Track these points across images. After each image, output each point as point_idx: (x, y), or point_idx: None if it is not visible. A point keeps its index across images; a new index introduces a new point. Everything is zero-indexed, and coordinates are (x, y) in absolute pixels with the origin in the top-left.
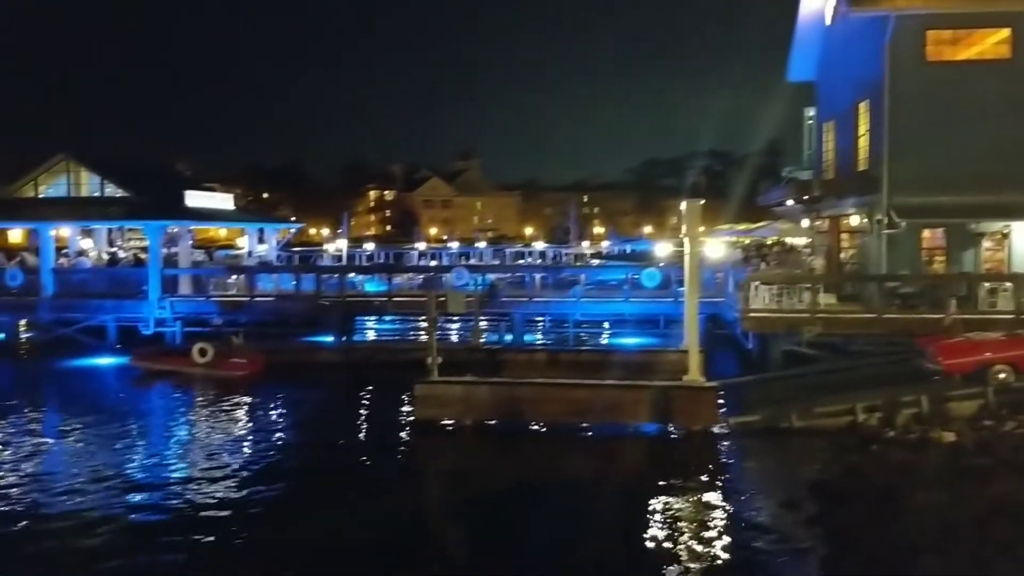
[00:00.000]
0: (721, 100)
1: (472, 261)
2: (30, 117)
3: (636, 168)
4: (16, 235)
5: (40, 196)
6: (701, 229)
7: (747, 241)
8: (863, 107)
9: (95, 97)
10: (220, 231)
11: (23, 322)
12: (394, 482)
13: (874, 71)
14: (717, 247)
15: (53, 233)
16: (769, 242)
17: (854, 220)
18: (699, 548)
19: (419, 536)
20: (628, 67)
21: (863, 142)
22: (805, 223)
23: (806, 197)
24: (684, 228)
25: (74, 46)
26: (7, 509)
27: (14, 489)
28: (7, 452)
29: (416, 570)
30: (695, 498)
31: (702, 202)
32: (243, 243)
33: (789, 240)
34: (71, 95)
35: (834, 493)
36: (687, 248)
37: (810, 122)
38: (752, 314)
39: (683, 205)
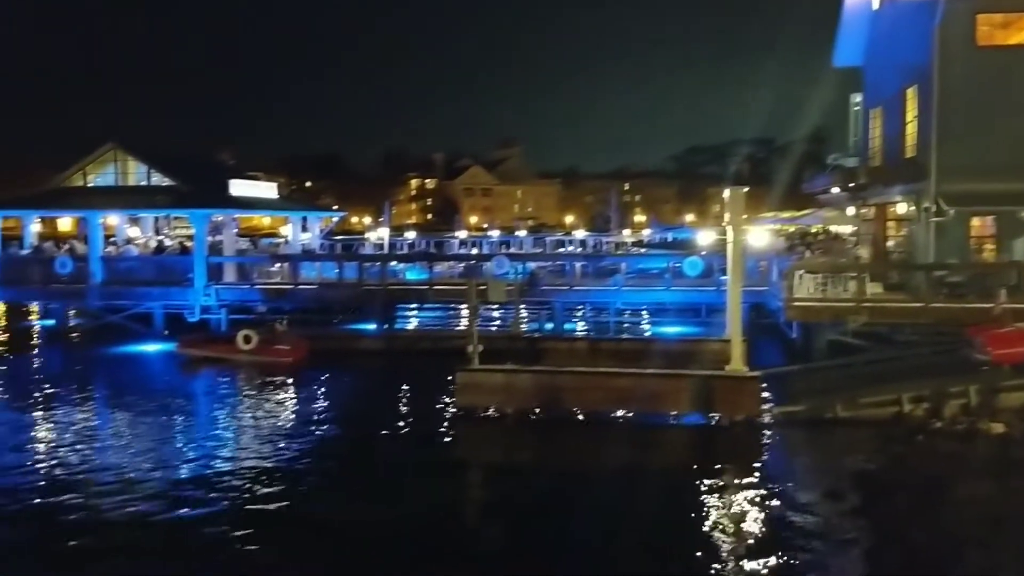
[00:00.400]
0: (765, 86)
1: (512, 249)
2: (77, 106)
3: (678, 155)
4: (66, 223)
5: (89, 185)
6: (744, 217)
7: (791, 229)
8: (911, 93)
9: (137, 90)
10: (264, 219)
11: (72, 309)
12: (435, 469)
13: (923, 56)
14: (761, 235)
15: (101, 221)
16: (814, 230)
17: (901, 208)
18: (740, 538)
19: (460, 524)
20: (670, 53)
21: (911, 128)
22: (851, 211)
23: (852, 184)
24: (727, 216)
25: (112, 38)
26: (58, 493)
27: (64, 473)
28: (58, 437)
29: (457, 558)
30: (737, 488)
31: (746, 189)
32: (287, 231)
33: (834, 228)
34: (112, 87)
35: (879, 484)
36: (730, 236)
37: (856, 108)
38: (796, 303)
39: (726, 192)
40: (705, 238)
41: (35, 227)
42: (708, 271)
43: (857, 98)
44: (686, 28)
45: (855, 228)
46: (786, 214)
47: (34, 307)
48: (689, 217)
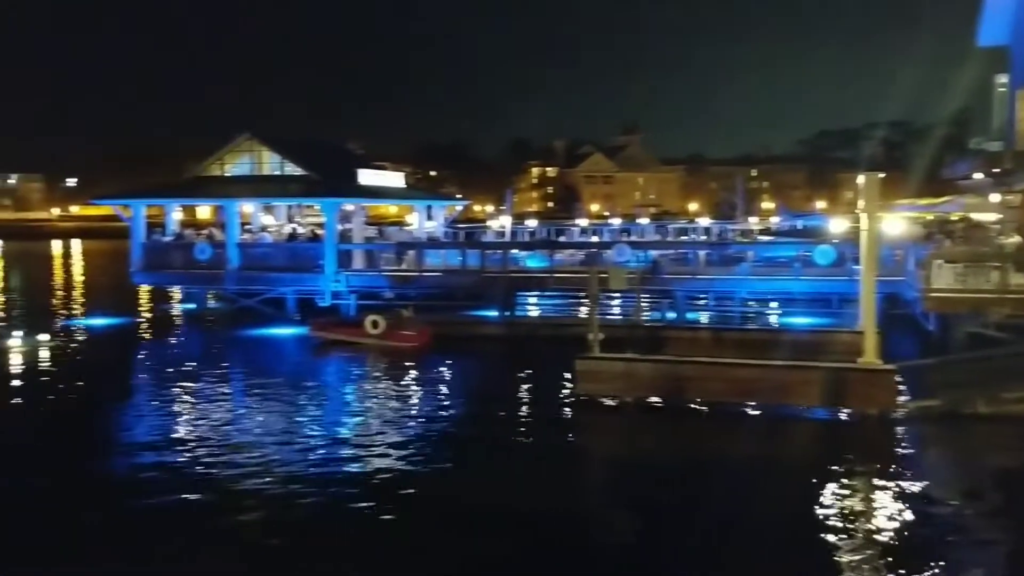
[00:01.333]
0: (902, 67)
1: (633, 237)
2: (215, 100)
3: (808, 140)
4: (204, 211)
5: (226, 174)
6: (879, 203)
7: (929, 217)
8: None
9: (274, 82)
10: (390, 208)
11: (211, 293)
12: (553, 456)
13: None
14: (896, 223)
15: (238, 209)
16: (954, 218)
17: None
18: (873, 535)
19: (577, 511)
20: (801, 33)
21: None
22: (994, 198)
23: (996, 170)
24: (861, 203)
25: (247, 28)
26: (198, 468)
27: (205, 450)
28: (199, 415)
29: (574, 545)
30: (870, 484)
31: (881, 175)
32: (412, 220)
33: (976, 216)
34: (248, 78)
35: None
36: (864, 224)
37: (1002, 90)
38: (934, 293)
39: (860, 178)
40: (837, 226)
41: (176, 215)
42: (840, 260)
43: (1003, 79)
44: (819, 4)
45: (999, 216)
46: (923, 201)
47: (176, 291)
48: (820, 204)
